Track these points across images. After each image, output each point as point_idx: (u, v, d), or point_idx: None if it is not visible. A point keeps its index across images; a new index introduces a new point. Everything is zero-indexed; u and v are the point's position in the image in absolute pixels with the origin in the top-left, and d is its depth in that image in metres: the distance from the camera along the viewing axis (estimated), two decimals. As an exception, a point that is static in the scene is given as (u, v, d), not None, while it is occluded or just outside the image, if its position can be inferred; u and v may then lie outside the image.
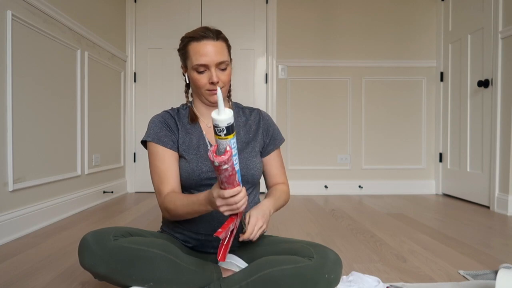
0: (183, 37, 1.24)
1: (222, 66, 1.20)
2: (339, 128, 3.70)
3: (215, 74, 1.18)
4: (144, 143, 1.27)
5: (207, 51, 1.17)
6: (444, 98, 3.57)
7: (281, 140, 1.38)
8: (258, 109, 1.38)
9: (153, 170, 1.22)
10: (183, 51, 1.24)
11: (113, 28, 3.35)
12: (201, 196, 1.06)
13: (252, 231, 1.09)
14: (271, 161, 1.35)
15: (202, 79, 1.20)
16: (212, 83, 1.19)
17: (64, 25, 2.47)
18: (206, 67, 1.19)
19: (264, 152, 1.34)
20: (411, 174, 3.71)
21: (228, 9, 3.67)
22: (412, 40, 3.69)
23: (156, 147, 1.22)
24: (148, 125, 1.27)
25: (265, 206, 1.19)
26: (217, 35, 1.21)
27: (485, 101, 2.95)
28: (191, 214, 1.12)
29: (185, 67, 1.27)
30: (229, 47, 1.26)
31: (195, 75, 1.21)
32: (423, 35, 3.69)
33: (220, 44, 1.20)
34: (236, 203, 0.96)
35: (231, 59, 1.26)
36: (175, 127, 1.26)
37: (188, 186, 1.23)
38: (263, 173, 1.36)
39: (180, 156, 1.24)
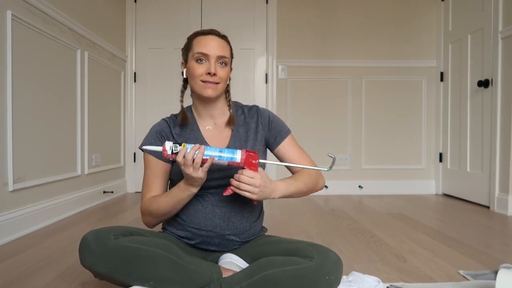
0: (190, 35, 1.28)
1: (222, 61, 1.22)
2: (339, 128, 3.70)
3: (214, 66, 1.19)
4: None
5: (211, 43, 1.21)
6: (444, 98, 3.57)
7: (287, 130, 1.33)
8: (256, 106, 1.35)
9: (144, 179, 1.30)
10: (188, 44, 1.26)
11: (113, 28, 3.35)
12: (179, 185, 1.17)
13: (238, 180, 1.07)
14: (284, 150, 1.31)
15: (200, 68, 1.20)
16: (209, 74, 1.19)
17: (64, 25, 2.47)
18: (207, 57, 1.20)
19: (272, 145, 1.32)
20: (411, 174, 3.71)
21: (228, 9, 3.67)
22: (412, 40, 3.69)
23: (147, 156, 1.27)
24: (147, 133, 1.30)
25: (274, 182, 1.15)
26: (223, 35, 1.26)
27: (485, 101, 2.95)
28: (173, 204, 1.18)
29: (185, 62, 1.27)
30: (231, 53, 1.28)
31: (193, 64, 1.21)
32: (423, 35, 3.69)
33: (224, 42, 1.24)
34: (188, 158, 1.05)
35: (231, 68, 1.28)
36: (170, 136, 1.27)
37: None
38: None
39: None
